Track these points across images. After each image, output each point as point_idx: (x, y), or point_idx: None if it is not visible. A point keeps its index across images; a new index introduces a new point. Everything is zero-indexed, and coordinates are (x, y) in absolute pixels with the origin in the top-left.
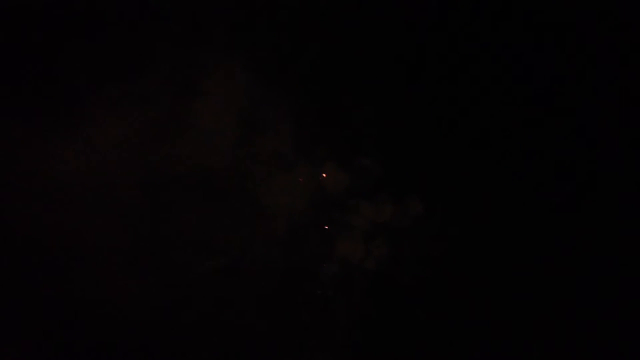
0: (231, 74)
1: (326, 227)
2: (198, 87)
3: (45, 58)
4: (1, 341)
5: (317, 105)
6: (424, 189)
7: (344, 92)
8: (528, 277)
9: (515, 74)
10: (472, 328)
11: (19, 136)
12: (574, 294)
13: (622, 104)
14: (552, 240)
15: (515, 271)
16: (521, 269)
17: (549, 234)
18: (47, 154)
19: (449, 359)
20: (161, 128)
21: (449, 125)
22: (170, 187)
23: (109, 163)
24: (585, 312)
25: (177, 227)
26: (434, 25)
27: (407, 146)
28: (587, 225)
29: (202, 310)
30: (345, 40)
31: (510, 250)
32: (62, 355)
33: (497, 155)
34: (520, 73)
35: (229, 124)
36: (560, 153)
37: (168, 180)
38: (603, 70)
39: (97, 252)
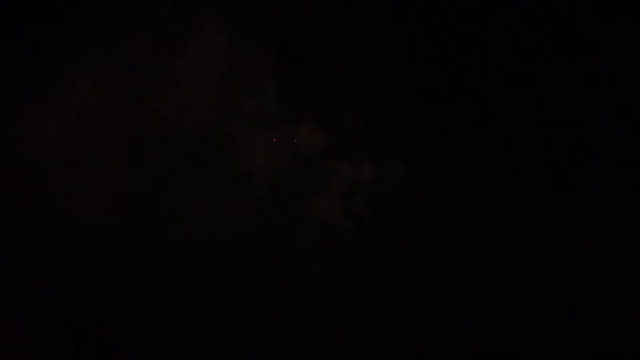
0: (213, 32)
1: (304, 187)
2: (180, 46)
3: (23, 20)
4: None
5: (299, 64)
6: (405, 149)
7: (327, 51)
8: (510, 236)
9: (501, 36)
10: (453, 288)
11: None
12: (553, 246)
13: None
14: (534, 199)
15: (497, 231)
16: (503, 228)
17: (531, 193)
18: (28, 117)
19: (430, 320)
20: (143, 87)
21: (433, 84)
22: (152, 147)
23: (90, 124)
24: (567, 271)
25: (160, 187)
26: None
27: (389, 106)
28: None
29: (185, 268)
30: None
31: (492, 210)
32: (54, 319)
33: (480, 115)
34: (505, 35)
35: (211, 83)
36: (544, 112)
37: (150, 140)
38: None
39: (81, 213)
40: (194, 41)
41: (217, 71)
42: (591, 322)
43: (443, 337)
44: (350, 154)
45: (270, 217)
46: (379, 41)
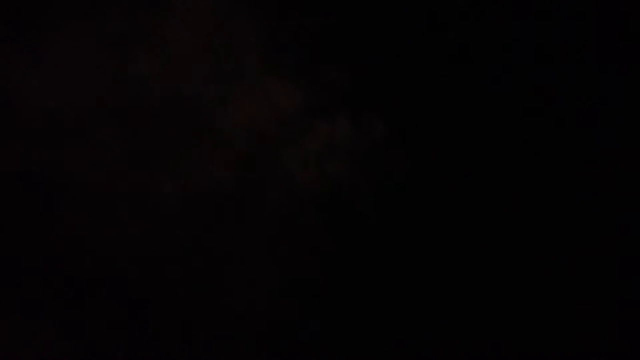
0: None
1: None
2: (164, 2)
3: None
4: None
5: (280, 21)
6: (386, 106)
7: (308, 5)
8: (498, 200)
9: None
10: (437, 255)
11: None
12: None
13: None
14: (523, 163)
15: (484, 195)
16: (490, 192)
17: (521, 156)
18: (6, 78)
19: (412, 289)
20: (125, 47)
21: (417, 36)
22: (136, 110)
23: (72, 84)
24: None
25: (144, 151)
26: None
27: (370, 59)
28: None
29: (170, 232)
30: None
31: (477, 173)
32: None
33: (469, 72)
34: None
35: (196, 42)
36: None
37: (129, 99)
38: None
39: (65, 176)
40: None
41: (198, 29)
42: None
43: (429, 304)
44: (328, 111)
45: (245, 179)
46: None
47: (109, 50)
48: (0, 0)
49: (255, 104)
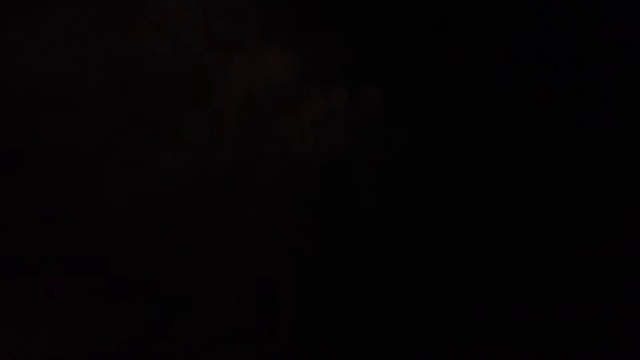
0: None
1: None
2: None
3: None
4: None
5: None
6: (383, 75)
7: None
8: (495, 170)
9: None
10: (432, 222)
11: None
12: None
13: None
14: (518, 129)
15: (480, 164)
16: (487, 162)
17: (516, 122)
18: (6, 47)
19: (408, 254)
20: (124, 16)
21: (416, 5)
22: (135, 78)
23: (72, 53)
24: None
25: (139, 119)
26: None
27: (368, 28)
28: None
29: (169, 201)
30: None
31: (474, 143)
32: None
33: (464, 42)
34: None
35: (195, 11)
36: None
37: (131, 70)
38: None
39: (64, 146)
40: None
41: None
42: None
43: (426, 271)
44: (326, 79)
45: (241, 149)
46: None
47: (108, 19)
48: None
49: (252, 72)
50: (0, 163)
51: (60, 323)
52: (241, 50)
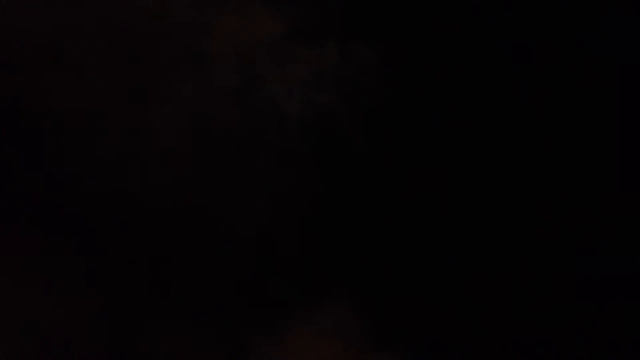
0: None
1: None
2: None
3: None
4: None
5: None
6: (374, 33)
7: None
8: (486, 129)
9: None
10: (422, 186)
11: None
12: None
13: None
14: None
15: (471, 122)
16: (478, 121)
17: (506, 82)
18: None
19: (400, 212)
20: None
21: None
22: (123, 38)
23: (58, 16)
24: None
25: (133, 81)
26: None
27: None
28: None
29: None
30: None
31: (465, 101)
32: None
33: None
34: None
35: None
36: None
37: (119, 30)
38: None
39: (55, 109)
40: None
41: None
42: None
43: (417, 226)
44: (315, 38)
45: (231, 108)
46: None
47: None
48: None
49: (240, 30)
50: None
51: (58, 281)
52: (229, 7)
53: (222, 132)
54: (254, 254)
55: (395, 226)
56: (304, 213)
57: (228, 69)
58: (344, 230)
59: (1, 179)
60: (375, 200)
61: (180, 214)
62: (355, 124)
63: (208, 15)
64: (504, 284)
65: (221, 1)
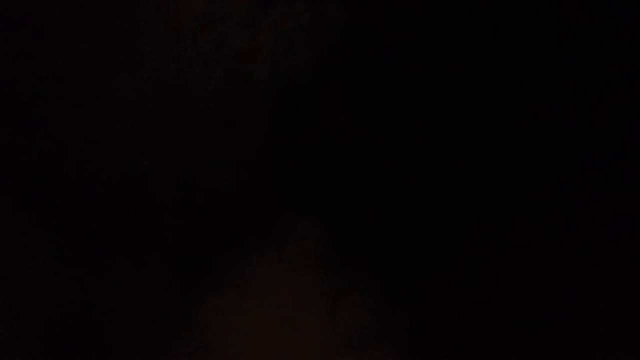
0: None
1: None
2: None
3: None
4: None
5: None
6: None
7: None
8: (471, 94)
9: None
10: (400, 155)
11: None
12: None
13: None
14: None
15: (451, 85)
16: (459, 84)
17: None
18: None
19: (374, 182)
20: None
21: None
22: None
23: None
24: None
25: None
26: None
27: None
28: None
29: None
30: None
31: (444, 64)
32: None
33: None
34: None
35: None
36: None
37: None
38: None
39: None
40: None
41: None
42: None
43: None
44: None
45: (191, 73)
46: None
47: None
48: None
49: None
50: None
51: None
52: None
53: (187, 98)
54: (220, 217)
55: (372, 197)
56: (270, 183)
57: (192, 31)
58: (313, 200)
59: None
60: (347, 171)
61: (152, 179)
62: (327, 91)
63: None
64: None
65: None
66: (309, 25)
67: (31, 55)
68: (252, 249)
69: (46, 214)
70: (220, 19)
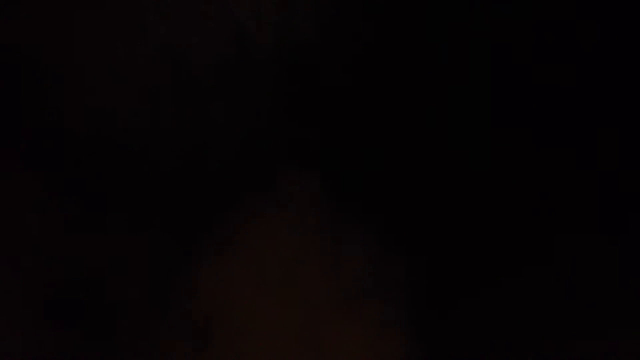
0: None
1: None
2: None
3: None
4: None
5: None
6: None
7: None
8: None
9: None
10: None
11: None
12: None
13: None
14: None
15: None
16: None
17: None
18: None
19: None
20: None
21: None
22: None
23: None
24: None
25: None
26: None
27: None
28: None
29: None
30: None
31: (449, 33)
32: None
33: None
34: None
35: None
36: None
37: None
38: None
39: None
40: None
41: None
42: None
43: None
44: None
45: (190, 39)
46: None
47: None
48: None
49: None
50: None
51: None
52: None
53: (189, 62)
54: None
55: (373, 153)
56: (271, 140)
57: None
58: (314, 157)
59: None
60: (349, 128)
61: (154, 142)
62: (336, 58)
63: None
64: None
65: None
66: None
67: (34, 23)
68: (253, 206)
69: (49, 175)
70: None
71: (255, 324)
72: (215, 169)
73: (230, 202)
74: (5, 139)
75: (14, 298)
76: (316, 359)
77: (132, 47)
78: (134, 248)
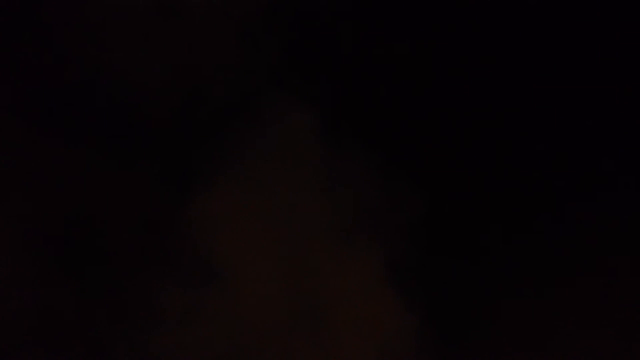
0: None
1: None
2: None
3: None
4: None
5: None
6: None
7: None
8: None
9: None
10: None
11: None
12: None
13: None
14: None
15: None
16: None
17: None
18: None
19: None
20: None
21: None
22: None
23: None
24: None
25: None
26: None
27: None
28: None
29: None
30: None
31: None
32: None
33: None
34: None
35: None
36: None
37: None
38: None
39: None
40: None
41: None
42: None
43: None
44: None
45: None
46: None
47: None
48: None
49: None
50: None
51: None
52: None
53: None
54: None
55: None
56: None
57: None
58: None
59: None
60: (346, 60)
61: (146, 77)
62: (339, 8)
63: None
64: None
65: None
66: None
67: None
68: (246, 137)
69: (44, 115)
70: None
71: (251, 259)
72: (207, 96)
73: (224, 131)
74: (6, 89)
75: (14, 241)
76: (314, 289)
77: None
78: (127, 187)
